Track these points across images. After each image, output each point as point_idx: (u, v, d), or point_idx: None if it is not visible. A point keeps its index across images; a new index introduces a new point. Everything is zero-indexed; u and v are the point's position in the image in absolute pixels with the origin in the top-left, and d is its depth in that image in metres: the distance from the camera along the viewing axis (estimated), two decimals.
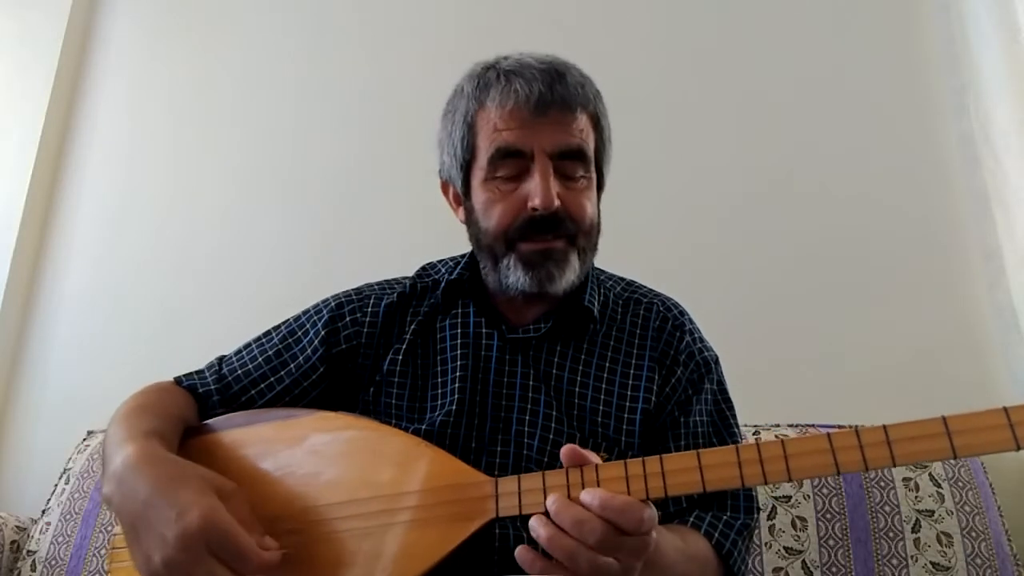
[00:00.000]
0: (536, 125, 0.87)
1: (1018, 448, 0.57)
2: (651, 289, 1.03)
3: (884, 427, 0.61)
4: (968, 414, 0.59)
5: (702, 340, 0.98)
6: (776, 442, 0.63)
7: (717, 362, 0.98)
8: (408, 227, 1.84)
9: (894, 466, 0.60)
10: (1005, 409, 0.58)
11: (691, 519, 0.86)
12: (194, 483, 0.70)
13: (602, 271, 1.04)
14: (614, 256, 1.05)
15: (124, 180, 2.10)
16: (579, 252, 0.90)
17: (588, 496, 0.65)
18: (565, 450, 0.69)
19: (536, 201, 0.86)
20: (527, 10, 1.94)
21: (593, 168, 0.93)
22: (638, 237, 1.66)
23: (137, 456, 0.74)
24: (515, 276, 0.89)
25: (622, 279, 1.04)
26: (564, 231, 0.88)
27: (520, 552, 0.66)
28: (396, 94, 1.97)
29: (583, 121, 0.90)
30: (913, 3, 1.73)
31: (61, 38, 2.18)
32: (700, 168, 1.74)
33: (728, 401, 0.97)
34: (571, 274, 0.89)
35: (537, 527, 0.66)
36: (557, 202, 0.86)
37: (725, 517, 0.87)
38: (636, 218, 1.68)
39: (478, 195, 0.92)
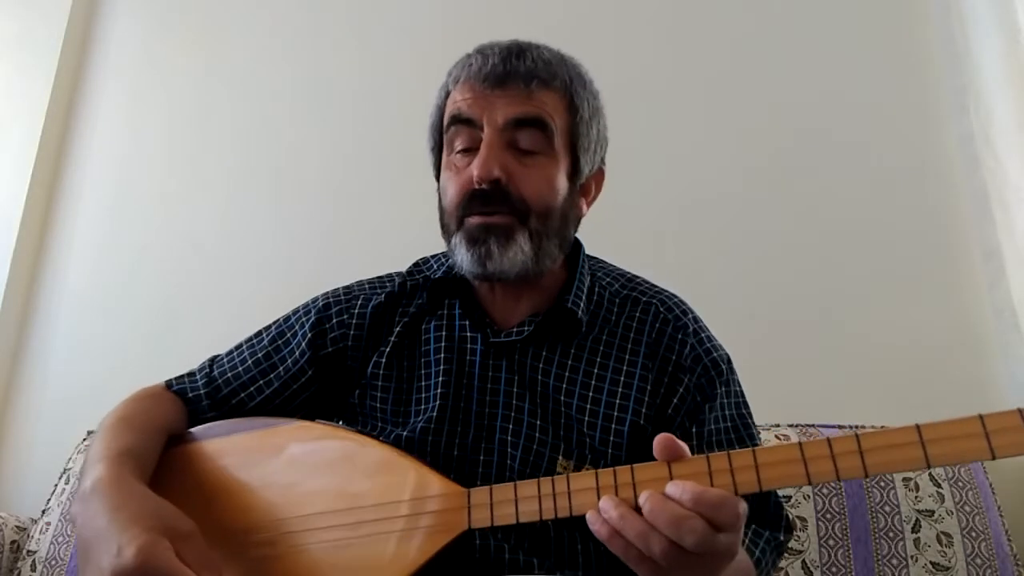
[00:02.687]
0: (489, 96, 0.85)
1: (994, 457, 0.53)
2: (653, 285, 0.95)
3: (856, 435, 0.57)
4: (943, 422, 0.56)
5: (710, 340, 0.90)
6: (747, 451, 0.61)
7: (730, 362, 0.90)
8: (404, 224, 1.83)
9: (866, 476, 0.57)
10: (980, 417, 0.54)
11: None
12: (145, 521, 0.67)
13: (602, 265, 0.98)
14: (613, 254, 1.04)
15: (124, 180, 2.10)
16: (531, 234, 0.84)
17: (676, 489, 0.58)
18: (661, 438, 0.62)
19: (474, 171, 0.82)
20: (522, 6, 1.94)
21: (560, 147, 0.86)
22: (637, 235, 1.66)
23: (104, 480, 0.74)
24: (461, 255, 0.85)
25: (623, 274, 0.97)
26: (511, 207, 0.83)
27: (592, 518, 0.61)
28: (391, 92, 1.97)
29: (547, 96, 0.85)
30: (913, 3, 1.73)
31: (61, 38, 2.17)
32: (700, 167, 1.74)
33: (746, 406, 0.90)
34: (518, 255, 0.83)
35: (614, 518, 0.60)
36: (497, 172, 0.82)
37: (754, 526, 0.84)
38: (635, 216, 1.68)
39: (443, 176, 0.90)
